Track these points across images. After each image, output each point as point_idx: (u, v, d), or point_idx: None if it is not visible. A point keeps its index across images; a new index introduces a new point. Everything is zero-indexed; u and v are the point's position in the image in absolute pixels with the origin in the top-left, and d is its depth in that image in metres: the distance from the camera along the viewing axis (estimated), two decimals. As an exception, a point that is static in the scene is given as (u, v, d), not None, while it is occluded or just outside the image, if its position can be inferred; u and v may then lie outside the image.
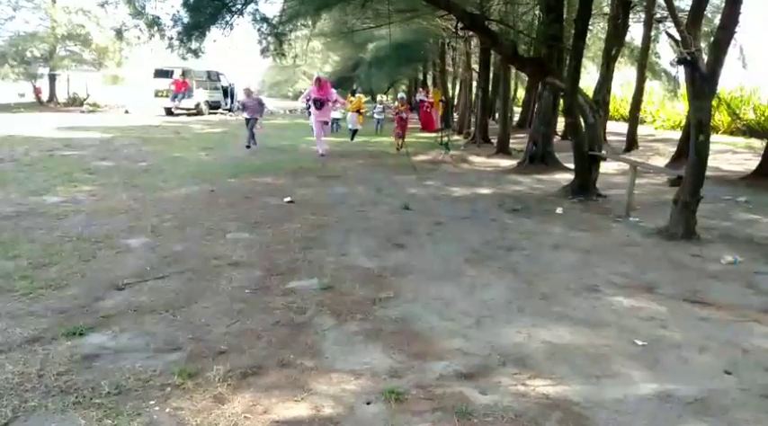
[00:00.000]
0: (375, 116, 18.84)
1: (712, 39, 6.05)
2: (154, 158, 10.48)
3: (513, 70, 15.71)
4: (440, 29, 16.51)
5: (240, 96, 13.31)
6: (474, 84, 18.24)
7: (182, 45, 9.90)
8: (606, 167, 9.66)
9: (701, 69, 5.42)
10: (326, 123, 12.32)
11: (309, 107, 20.30)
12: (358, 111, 16.46)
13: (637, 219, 6.54)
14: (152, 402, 2.46)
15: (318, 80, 11.66)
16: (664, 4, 7.57)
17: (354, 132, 16.08)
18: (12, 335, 3.04)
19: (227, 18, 9.67)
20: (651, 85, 19.87)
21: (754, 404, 2.58)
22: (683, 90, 15.66)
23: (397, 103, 15.02)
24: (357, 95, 17.60)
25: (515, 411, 2.47)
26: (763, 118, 17.98)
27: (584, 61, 16.33)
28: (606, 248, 5.31)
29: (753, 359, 3.03)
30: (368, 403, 2.51)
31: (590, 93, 9.28)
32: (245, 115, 12.94)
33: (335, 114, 18.51)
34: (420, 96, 20.97)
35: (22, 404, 2.39)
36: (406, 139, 13.57)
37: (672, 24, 5.90)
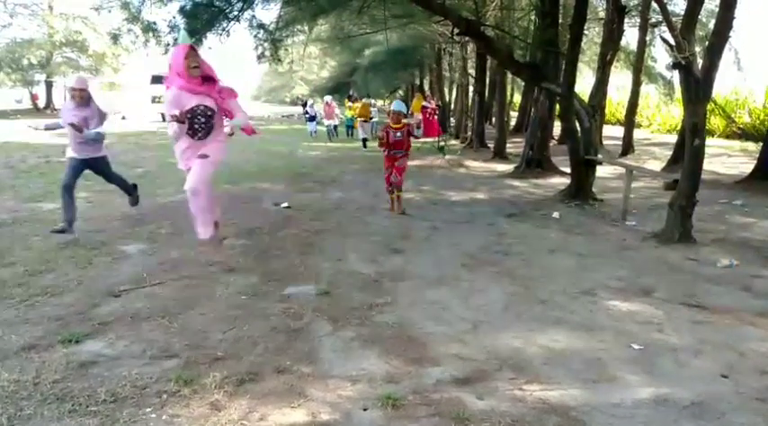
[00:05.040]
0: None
1: (707, 43, 6.09)
2: (150, 164, 10.48)
3: (510, 75, 15.75)
4: (436, 34, 16.61)
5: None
6: (471, 88, 18.30)
7: (178, 51, 9.90)
8: (602, 171, 9.69)
9: (695, 74, 5.46)
10: (213, 163, 4.48)
11: (306, 112, 20.27)
12: (361, 117, 16.05)
13: (633, 223, 6.55)
14: (148, 409, 2.45)
15: (193, 49, 4.36)
16: (658, 9, 7.62)
17: (364, 141, 15.69)
18: (7, 343, 3.03)
19: (224, 24, 9.71)
20: (647, 89, 19.98)
21: (751, 408, 2.58)
22: (678, 94, 15.74)
23: (389, 111, 9.13)
24: (364, 100, 17.11)
25: (512, 416, 2.46)
26: (758, 121, 18.07)
27: (580, 66, 16.36)
28: (602, 252, 5.32)
29: (749, 363, 3.03)
30: (365, 410, 2.50)
31: (586, 98, 9.32)
32: (71, 151, 5.40)
33: (334, 122, 18.47)
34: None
35: (18, 412, 2.38)
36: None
37: (666, 29, 5.95)
